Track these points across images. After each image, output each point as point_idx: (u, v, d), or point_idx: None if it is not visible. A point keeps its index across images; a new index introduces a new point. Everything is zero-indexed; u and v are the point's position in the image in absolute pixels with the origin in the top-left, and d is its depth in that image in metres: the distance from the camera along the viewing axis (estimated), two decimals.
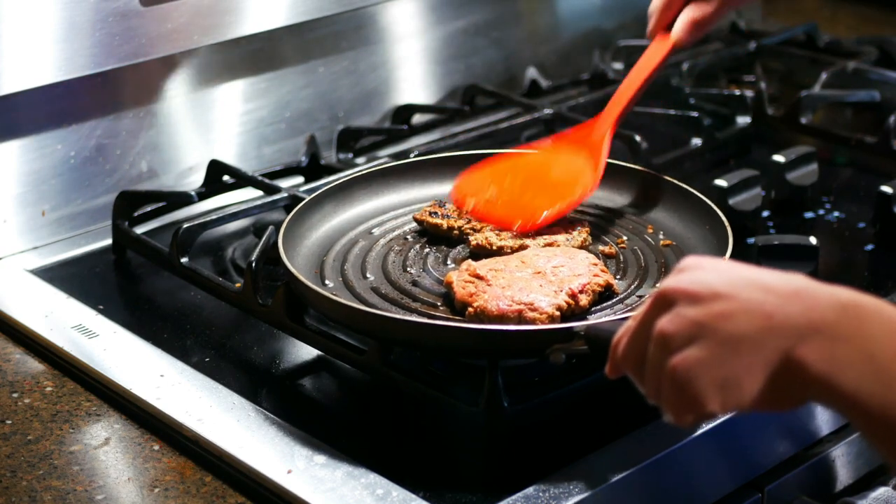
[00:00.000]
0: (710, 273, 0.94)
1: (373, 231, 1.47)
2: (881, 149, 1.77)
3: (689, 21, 1.51)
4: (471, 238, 1.41)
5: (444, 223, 1.44)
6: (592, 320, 1.23)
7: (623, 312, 1.28)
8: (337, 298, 1.26)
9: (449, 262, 1.40)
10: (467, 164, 1.51)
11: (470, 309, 1.26)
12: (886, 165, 1.74)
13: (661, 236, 1.44)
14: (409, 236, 1.46)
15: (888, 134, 1.76)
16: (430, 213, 1.45)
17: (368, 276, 1.37)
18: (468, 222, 1.43)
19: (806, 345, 0.90)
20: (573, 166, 1.48)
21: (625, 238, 1.44)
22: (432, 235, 1.45)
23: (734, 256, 1.31)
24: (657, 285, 0.94)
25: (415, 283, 1.35)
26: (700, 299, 0.92)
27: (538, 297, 1.26)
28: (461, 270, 1.31)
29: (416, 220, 1.46)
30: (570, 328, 1.17)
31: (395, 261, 1.40)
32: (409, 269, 1.38)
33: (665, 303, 0.94)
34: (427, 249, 1.43)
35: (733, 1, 1.54)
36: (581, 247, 1.39)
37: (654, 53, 1.54)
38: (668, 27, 1.54)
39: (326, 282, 1.35)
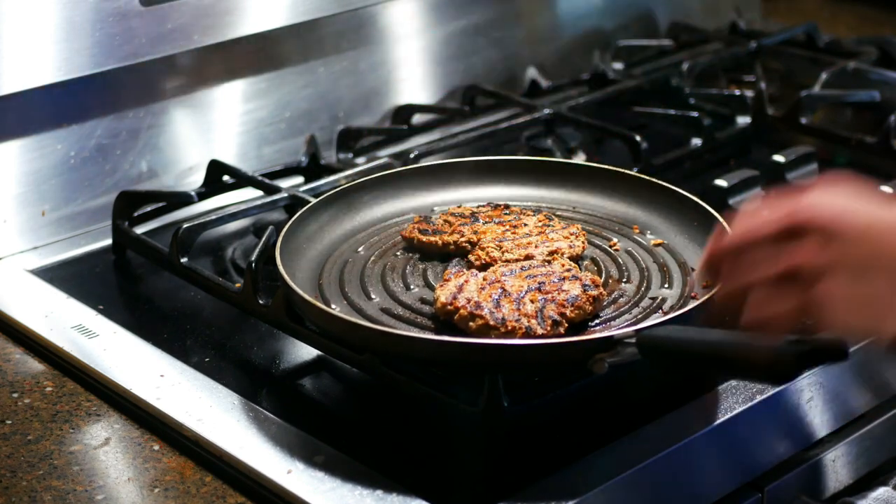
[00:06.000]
0: (827, 199, 1.00)
1: (358, 250, 1.42)
2: (881, 149, 1.77)
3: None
4: (471, 256, 1.37)
5: (438, 240, 1.39)
6: (626, 328, 1.19)
7: (655, 316, 1.26)
8: (345, 317, 1.25)
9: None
10: (421, 176, 1.51)
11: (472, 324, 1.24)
12: (886, 165, 1.74)
13: (649, 236, 1.44)
14: (397, 252, 1.41)
15: (888, 134, 1.76)
16: (420, 231, 1.40)
17: (373, 297, 1.34)
18: (462, 236, 1.39)
19: None
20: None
21: (615, 240, 1.43)
22: (422, 250, 1.40)
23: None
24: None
25: (423, 301, 1.32)
26: (827, 233, 0.99)
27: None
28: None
29: (404, 237, 1.41)
30: (611, 337, 1.16)
31: (394, 279, 1.36)
32: (412, 287, 1.35)
33: (795, 231, 1.00)
34: (422, 265, 1.38)
35: None
36: (581, 252, 1.38)
37: None
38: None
39: (332, 306, 1.31)
